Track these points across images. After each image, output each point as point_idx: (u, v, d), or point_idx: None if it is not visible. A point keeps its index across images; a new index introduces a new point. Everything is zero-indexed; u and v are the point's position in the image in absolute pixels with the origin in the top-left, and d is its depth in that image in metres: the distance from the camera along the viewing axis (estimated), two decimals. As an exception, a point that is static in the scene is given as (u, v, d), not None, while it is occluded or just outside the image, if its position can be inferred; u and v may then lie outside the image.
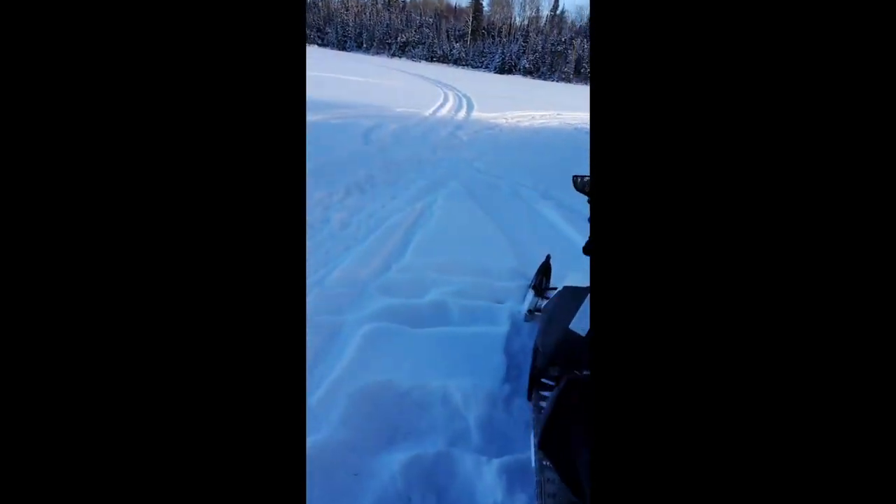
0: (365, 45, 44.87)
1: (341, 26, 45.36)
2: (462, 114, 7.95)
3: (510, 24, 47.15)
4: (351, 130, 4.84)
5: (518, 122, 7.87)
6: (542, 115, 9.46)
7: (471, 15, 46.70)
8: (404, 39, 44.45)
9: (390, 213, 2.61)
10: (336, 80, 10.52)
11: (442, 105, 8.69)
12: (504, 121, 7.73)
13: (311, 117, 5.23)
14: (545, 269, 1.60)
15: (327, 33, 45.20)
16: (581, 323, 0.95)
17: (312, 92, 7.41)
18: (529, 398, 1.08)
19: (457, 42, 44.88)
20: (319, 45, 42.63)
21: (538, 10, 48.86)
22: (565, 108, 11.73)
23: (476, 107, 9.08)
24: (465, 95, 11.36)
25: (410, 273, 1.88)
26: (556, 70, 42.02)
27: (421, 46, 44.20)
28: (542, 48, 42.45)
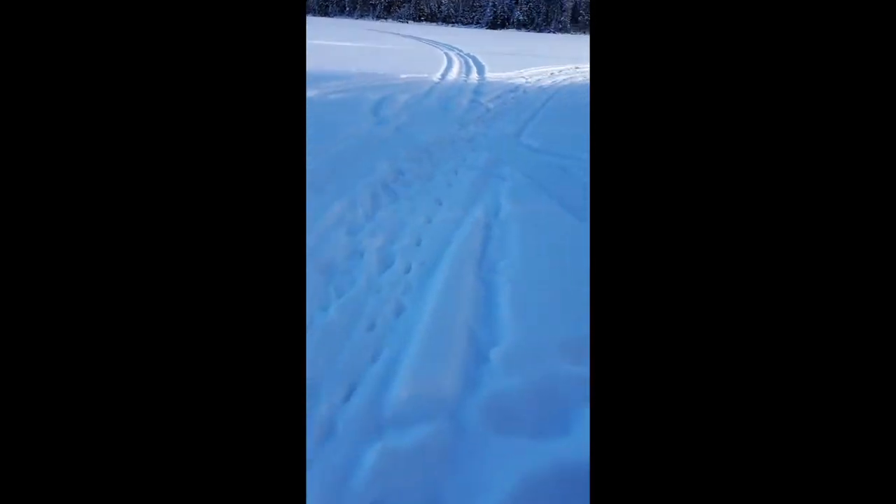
0: (348, 9, 42.23)
1: (321, -10, 42.61)
2: (474, 76, 6.92)
3: (500, -26, 43.88)
4: (357, 106, 3.91)
5: (539, 80, 6.86)
6: (561, 71, 8.43)
7: (458, -34, 43.33)
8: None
9: (445, 234, 1.78)
10: (325, 47, 9.35)
11: (448, 68, 7.64)
12: (523, 80, 6.72)
13: (308, 93, 4.28)
14: None
15: (307, -1, 42.57)
16: None
17: (300, 63, 6.36)
18: None
19: (444, -2, 41.94)
20: (299, 12, 40.10)
21: (529, -45, 45.18)
22: (578, 60, 10.58)
23: (486, 67, 8.01)
24: (468, 55, 10.19)
25: (529, 370, 1.07)
26: (551, 20, 39.57)
27: (407, 5, 41.41)
28: (537, -3, 39.76)
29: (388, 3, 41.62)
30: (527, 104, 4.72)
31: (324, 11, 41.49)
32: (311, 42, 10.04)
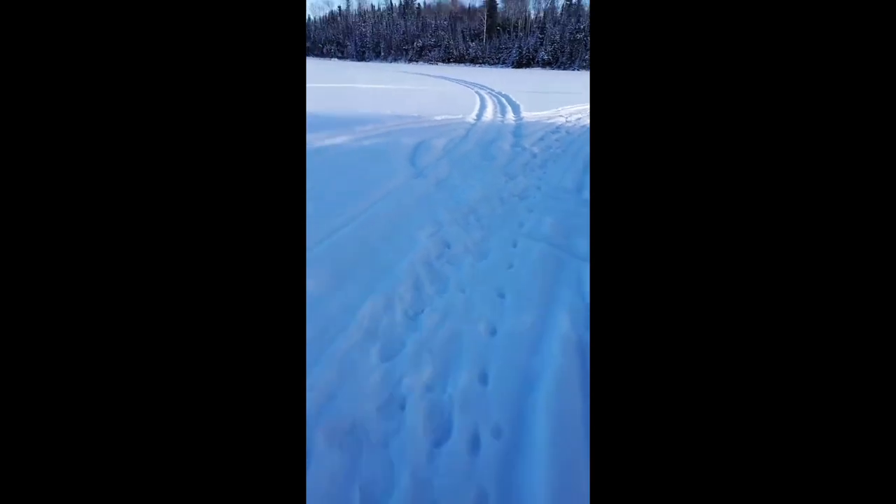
0: (383, 54, 44.36)
1: (360, 38, 45.22)
2: (510, 116, 6.55)
3: (525, 18, 45.35)
4: (391, 153, 3.50)
5: (580, 119, 6.41)
6: (601, 109, 7.97)
7: (485, 13, 45.10)
8: (420, 44, 43.45)
9: (520, 362, 1.22)
10: (358, 90, 9.31)
11: (482, 107, 7.34)
12: (563, 119, 6.29)
13: (337, 139, 3.93)
14: None
15: (346, 46, 45.14)
16: None
17: (333, 105, 6.18)
18: None
19: (472, 41, 43.46)
20: (339, 57, 42.58)
21: (553, 1, 46.60)
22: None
23: (521, 106, 7.67)
24: (500, 94, 9.98)
25: None
26: (575, 58, 40.07)
27: (437, 49, 43.08)
28: (561, 38, 40.60)
29: (419, 47, 43.42)
30: (575, 148, 4.23)
31: (361, 57, 43.74)
32: (345, 85, 10.10)
